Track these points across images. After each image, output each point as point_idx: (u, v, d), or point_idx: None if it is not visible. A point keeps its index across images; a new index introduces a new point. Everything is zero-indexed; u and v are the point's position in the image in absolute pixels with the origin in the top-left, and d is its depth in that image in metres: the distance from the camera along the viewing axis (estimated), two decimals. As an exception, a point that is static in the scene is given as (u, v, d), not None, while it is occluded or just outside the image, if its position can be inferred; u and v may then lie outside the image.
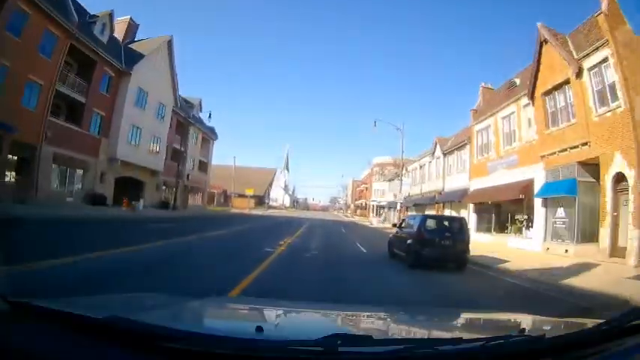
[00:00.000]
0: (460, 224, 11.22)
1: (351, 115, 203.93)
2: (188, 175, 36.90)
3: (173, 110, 30.60)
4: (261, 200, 73.04)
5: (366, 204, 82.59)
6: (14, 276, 3.43)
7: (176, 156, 31.39)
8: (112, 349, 1.19)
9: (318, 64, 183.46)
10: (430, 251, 10.23)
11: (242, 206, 65.25)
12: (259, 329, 1.34)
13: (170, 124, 30.45)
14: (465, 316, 2.42)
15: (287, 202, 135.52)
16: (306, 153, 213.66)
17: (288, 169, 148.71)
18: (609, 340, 1.36)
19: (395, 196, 38.26)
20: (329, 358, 1.17)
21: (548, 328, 1.89)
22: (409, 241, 10.66)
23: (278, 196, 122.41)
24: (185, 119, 33.16)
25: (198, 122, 38.90)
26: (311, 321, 2.08)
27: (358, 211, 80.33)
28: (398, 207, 28.93)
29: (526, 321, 2.08)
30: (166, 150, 30.63)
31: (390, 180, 48.67)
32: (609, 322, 1.47)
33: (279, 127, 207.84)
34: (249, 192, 67.30)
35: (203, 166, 42.99)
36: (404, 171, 36.95)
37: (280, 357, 1.18)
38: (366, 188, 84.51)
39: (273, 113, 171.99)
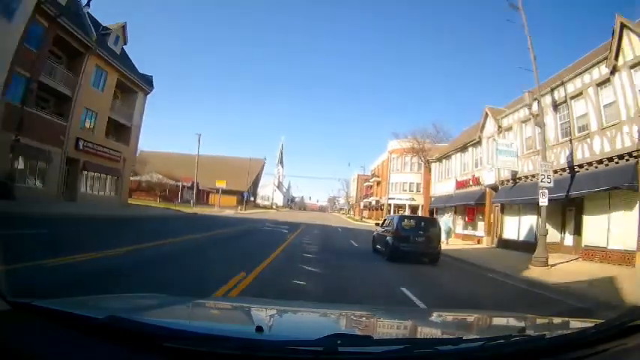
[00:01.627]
0: (433, 224, 13.15)
1: (353, 112, 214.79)
2: (79, 141, 23.77)
3: (42, 10, 18.64)
4: (244, 197, 62.83)
5: (377, 203, 66.65)
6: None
7: (54, 102, 22.21)
8: (113, 349, 1.18)
9: (316, 58, 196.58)
10: (405, 246, 11.57)
11: (224, 204, 54.24)
12: (259, 329, 1.33)
13: (37, 41, 19.21)
14: (465, 316, 2.36)
15: (280, 200, 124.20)
16: (305, 150, 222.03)
17: (282, 164, 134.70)
18: (609, 340, 1.35)
19: (469, 181, 22.74)
20: (329, 358, 1.17)
21: (548, 328, 1.87)
22: (388, 238, 12.20)
23: (271, 194, 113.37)
24: (68, 32, 21.17)
25: (110, 55, 25.77)
26: (311, 321, 2.03)
27: (366, 212, 69.68)
28: (543, 202, 12.31)
29: (526, 321, 2.02)
30: (25, 84, 19.03)
31: (450, 154, 29.02)
32: (609, 322, 1.43)
33: (275, 125, 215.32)
34: (221, 184, 53.63)
35: (121, 132, 29.28)
36: (494, 135, 20.23)
37: (280, 357, 1.17)
38: (378, 183, 68.04)
39: (270, 110, 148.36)
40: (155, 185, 53.10)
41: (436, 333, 2.01)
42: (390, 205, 51.43)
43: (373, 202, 66.46)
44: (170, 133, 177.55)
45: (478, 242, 21.65)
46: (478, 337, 1.39)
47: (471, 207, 23.20)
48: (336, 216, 79.70)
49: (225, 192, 58.24)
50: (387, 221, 13.99)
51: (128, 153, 29.78)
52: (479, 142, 22.45)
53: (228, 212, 41.75)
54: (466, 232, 23.99)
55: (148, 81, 31.13)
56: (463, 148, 24.98)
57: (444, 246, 18.83)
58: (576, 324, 1.83)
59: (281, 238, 15.41)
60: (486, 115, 21.17)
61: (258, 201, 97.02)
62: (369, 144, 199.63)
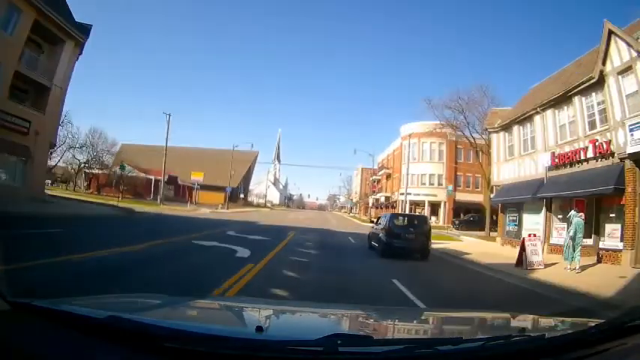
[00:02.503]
0: (423, 221, 14.32)
1: (354, 105, 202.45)
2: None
3: None
4: (227, 193, 53.84)
5: (388, 200, 57.19)
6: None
7: None
8: (113, 349, 1.20)
9: (317, 55, 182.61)
10: (397, 242, 12.40)
11: (209, 201, 48.15)
12: (259, 329, 1.36)
13: None
14: (465, 316, 2.35)
15: (276, 198, 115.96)
16: (303, 147, 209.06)
17: (279, 160, 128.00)
18: (609, 340, 1.37)
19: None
20: (329, 358, 1.19)
21: (548, 328, 1.90)
22: (380, 235, 13.14)
23: (267, 192, 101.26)
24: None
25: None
26: (311, 321, 2.04)
27: (372, 211, 59.79)
28: None
29: (526, 321, 2.07)
30: None
31: (530, 114, 18.23)
32: (609, 322, 1.45)
33: (273, 121, 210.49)
34: (197, 177, 45.56)
35: (36, 95, 21.98)
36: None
37: (280, 357, 1.20)
38: (388, 176, 59.20)
39: (268, 106, 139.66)
40: (124, 179, 44.78)
41: (436, 333, 2.08)
42: (405, 201, 44.07)
43: (382, 199, 61.67)
44: (169, 129, 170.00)
45: (599, 260, 13.58)
46: (478, 337, 1.46)
47: (582, 198, 14.47)
48: (338, 215, 74.87)
49: (210, 188, 55.84)
50: (381, 219, 15.29)
51: (44, 124, 23.77)
52: (596, 85, 14.67)
53: (203, 212, 38.34)
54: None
55: (82, 29, 26.01)
56: (561, 101, 16.78)
57: (566, 272, 10.01)
58: (576, 324, 1.89)
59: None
60: (609, 35, 12.91)
61: (252, 198, 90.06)
62: (371, 141, 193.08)
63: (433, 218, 47.41)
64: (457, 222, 38.87)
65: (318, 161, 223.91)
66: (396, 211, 46.49)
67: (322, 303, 4.06)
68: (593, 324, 1.52)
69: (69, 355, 1.13)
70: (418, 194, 45.36)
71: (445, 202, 46.45)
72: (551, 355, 1.25)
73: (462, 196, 46.45)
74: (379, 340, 1.40)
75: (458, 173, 48.54)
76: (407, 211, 41.49)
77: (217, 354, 1.12)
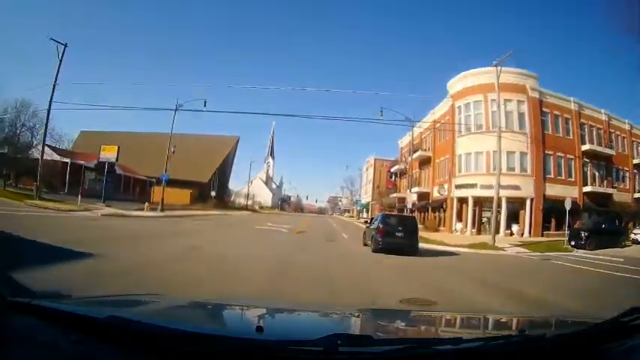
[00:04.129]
0: (411, 221, 16.37)
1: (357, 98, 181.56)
2: None
3: None
4: (202, 192, 51.65)
5: (424, 198, 39.43)
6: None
7: None
8: (113, 349, 1.24)
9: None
10: (388, 240, 14.52)
11: (173, 200, 37.49)
12: (259, 329, 1.41)
13: None
14: (465, 316, 2.42)
15: (268, 199, 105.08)
16: (303, 144, 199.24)
17: (273, 157, 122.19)
18: (609, 340, 1.41)
19: None
20: (329, 358, 1.23)
21: (549, 328, 1.95)
22: (373, 233, 15.66)
23: (257, 190, 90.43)
24: None
25: None
26: (311, 321, 2.13)
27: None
28: None
29: (526, 321, 2.13)
30: None
31: None
32: (609, 322, 1.49)
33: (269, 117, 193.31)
34: (108, 153, 32.45)
35: None
36: None
37: (280, 357, 1.24)
38: (423, 162, 41.24)
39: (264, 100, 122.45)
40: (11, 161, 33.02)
41: (436, 333, 2.13)
42: (464, 199, 27.15)
43: (414, 197, 38.20)
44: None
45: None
46: (478, 337, 1.50)
47: None
48: (344, 222, 54.74)
49: (174, 183, 39.52)
50: (374, 220, 17.56)
51: None
52: None
53: (93, 215, 19.99)
54: None
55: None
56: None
57: None
58: (576, 324, 1.95)
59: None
60: None
61: (240, 200, 71.36)
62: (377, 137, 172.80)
63: (515, 227, 30.46)
64: (584, 234, 21.91)
65: (319, 161, 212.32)
66: (447, 216, 35.13)
67: (322, 303, 4.15)
68: (593, 324, 1.58)
69: (68, 355, 1.15)
70: (490, 185, 25.66)
71: (532, 199, 29.89)
72: (552, 355, 1.28)
73: (552, 190, 30.78)
74: (379, 340, 1.42)
75: (546, 151, 31.99)
76: (469, 215, 30.71)
77: (217, 354, 1.14)
